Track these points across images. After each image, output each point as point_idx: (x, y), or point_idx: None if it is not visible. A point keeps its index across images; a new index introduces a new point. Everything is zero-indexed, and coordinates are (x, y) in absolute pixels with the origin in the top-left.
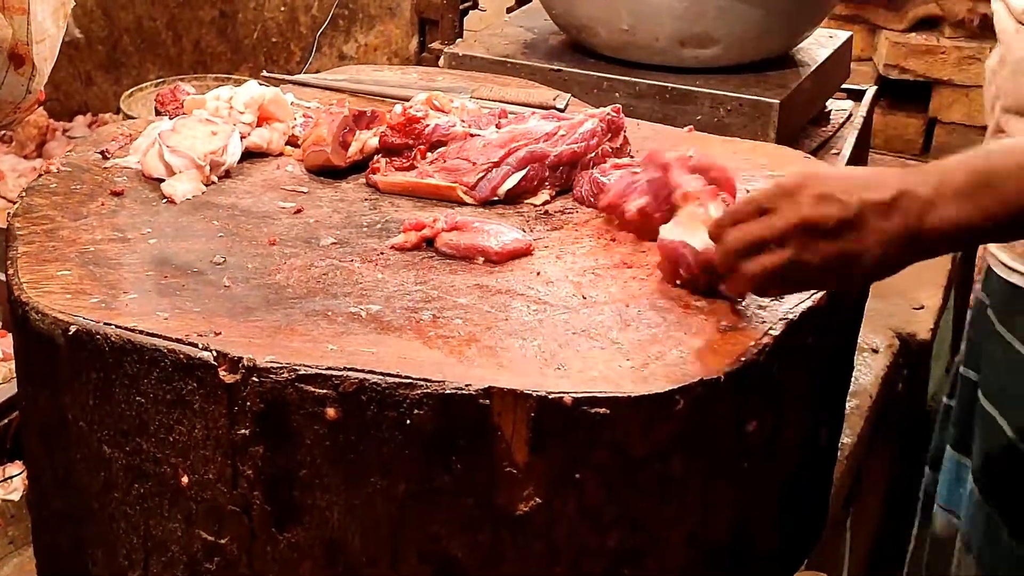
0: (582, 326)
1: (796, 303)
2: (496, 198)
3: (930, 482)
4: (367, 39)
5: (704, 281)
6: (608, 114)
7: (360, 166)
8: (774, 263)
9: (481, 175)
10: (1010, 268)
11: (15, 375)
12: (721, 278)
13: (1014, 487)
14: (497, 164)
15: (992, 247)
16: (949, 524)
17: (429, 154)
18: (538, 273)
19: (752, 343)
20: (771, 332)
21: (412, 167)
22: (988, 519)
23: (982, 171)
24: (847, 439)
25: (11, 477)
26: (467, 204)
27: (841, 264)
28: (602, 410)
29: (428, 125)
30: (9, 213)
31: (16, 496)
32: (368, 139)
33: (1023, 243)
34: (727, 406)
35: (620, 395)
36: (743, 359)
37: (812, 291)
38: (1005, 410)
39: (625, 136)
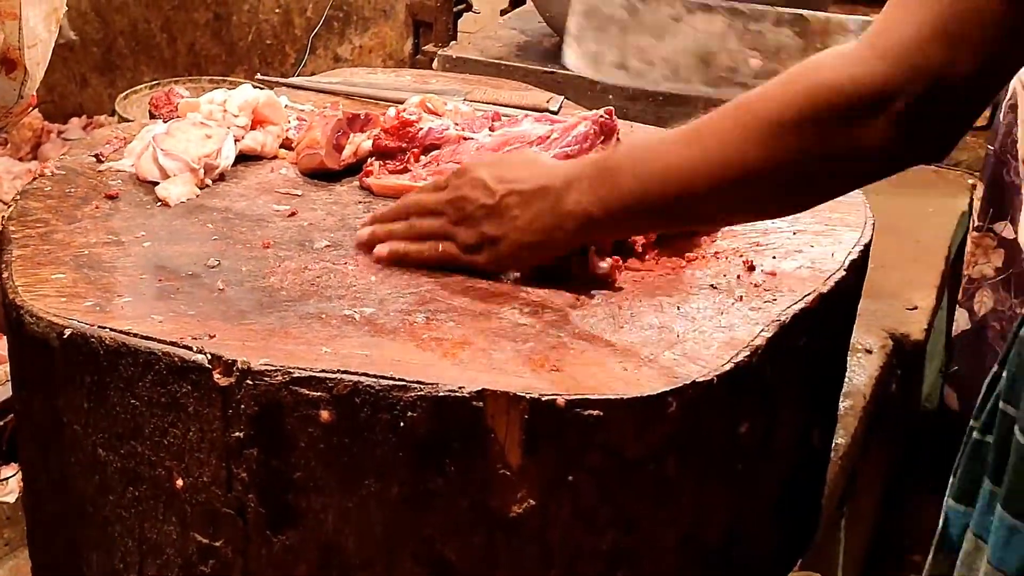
0: (575, 328)
1: (788, 305)
2: None
3: (957, 515)
4: (361, 41)
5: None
6: (601, 116)
7: (354, 169)
8: (424, 226)
9: None
10: None
11: (10, 378)
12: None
13: None
14: None
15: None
16: (978, 547)
17: (423, 157)
18: (531, 275)
19: (745, 345)
20: (764, 334)
21: (405, 170)
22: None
23: (603, 166)
24: (841, 440)
25: (6, 479)
26: None
27: (484, 243)
28: (595, 412)
29: (421, 128)
30: (3, 216)
31: (12, 498)
32: (362, 142)
33: None
34: (720, 408)
35: (613, 397)
36: (736, 361)
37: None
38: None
39: (618, 138)
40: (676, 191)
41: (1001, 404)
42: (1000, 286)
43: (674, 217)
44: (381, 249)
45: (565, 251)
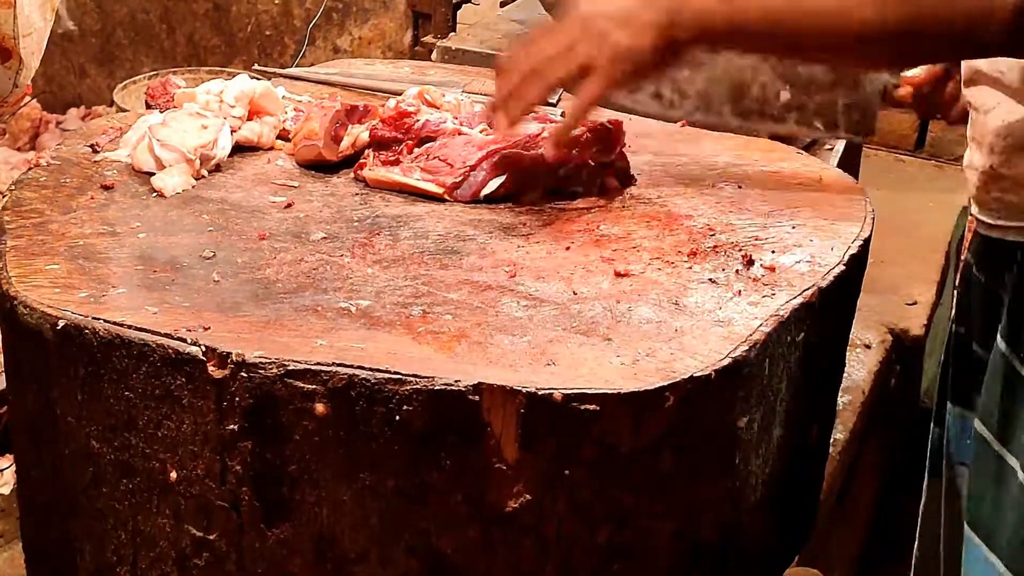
0: (572, 322)
1: (787, 299)
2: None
3: (935, 437)
4: (361, 32)
5: None
6: (601, 123)
7: (352, 160)
8: (567, 61)
9: (460, 178)
10: (989, 224)
11: (3, 369)
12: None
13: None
14: (473, 168)
15: (974, 210)
16: (959, 475)
17: (416, 149)
18: (528, 269)
19: (743, 339)
20: (762, 328)
21: (397, 162)
22: (997, 460)
23: None
24: (840, 435)
25: (1, 471)
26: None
27: (622, 51)
28: (592, 406)
29: (418, 120)
30: None
31: (6, 490)
32: (360, 134)
33: (995, 196)
34: (717, 402)
35: (610, 391)
36: (734, 356)
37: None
38: (985, 345)
39: (622, 152)
40: (796, 24)
41: (954, 327)
42: None
43: (783, 48)
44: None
45: (675, 52)
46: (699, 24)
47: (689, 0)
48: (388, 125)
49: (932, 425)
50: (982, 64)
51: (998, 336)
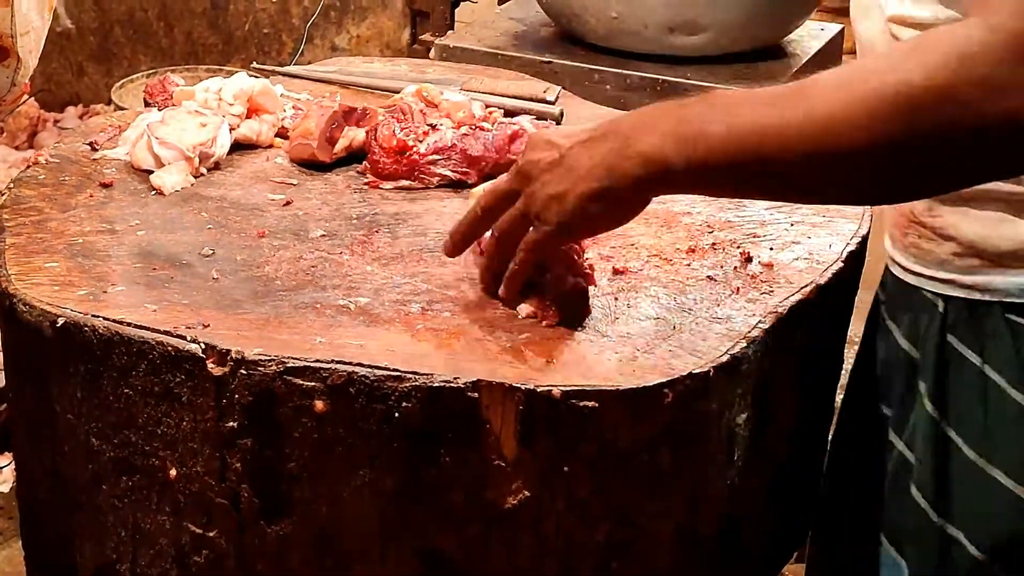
0: None
1: (785, 296)
2: None
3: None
4: (359, 31)
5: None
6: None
7: (347, 160)
8: (508, 217)
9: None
10: (903, 267)
11: (2, 367)
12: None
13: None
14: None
15: (888, 246)
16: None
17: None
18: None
19: (741, 336)
20: (761, 325)
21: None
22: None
23: (685, 113)
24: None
25: (0, 468)
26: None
27: (552, 204)
28: (591, 403)
29: (418, 147)
30: None
31: (6, 488)
32: (356, 136)
33: (912, 242)
34: (716, 399)
35: (609, 388)
36: (732, 352)
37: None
38: (884, 399)
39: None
40: (770, 154)
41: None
42: None
43: (756, 184)
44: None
45: (633, 203)
46: (652, 167)
47: (637, 142)
48: (389, 157)
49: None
50: None
51: (924, 399)
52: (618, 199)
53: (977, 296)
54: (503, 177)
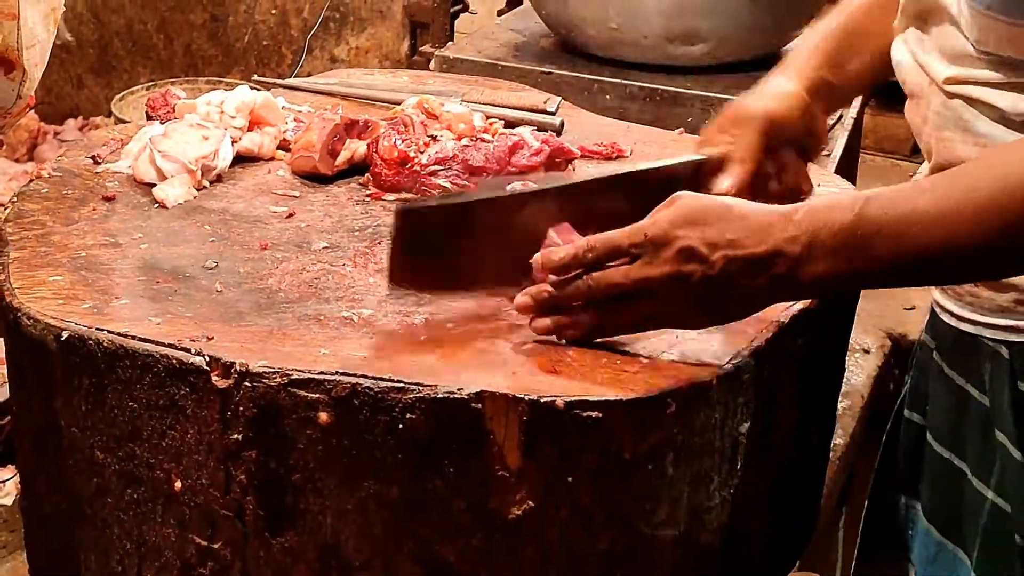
0: None
1: (787, 306)
2: None
3: (872, 516)
4: (358, 42)
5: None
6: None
7: (349, 172)
8: (635, 314)
9: None
10: (958, 316)
11: (7, 380)
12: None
13: (972, 525)
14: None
15: (936, 295)
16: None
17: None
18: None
19: (744, 346)
20: (762, 335)
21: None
22: (951, 557)
23: (851, 231)
24: (839, 440)
25: (4, 481)
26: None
27: (700, 314)
28: (594, 413)
29: (420, 158)
30: (0, 218)
31: (9, 501)
32: (358, 148)
33: (968, 290)
34: (719, 409)
35: (612, 398)
36: (735, 362)
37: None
38: (958, 450)
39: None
40: (937, 266)
41: (906, 412)
42: None
43: (922, 281)
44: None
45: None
46: (824, 287)
47: (809, 266)
48: (391, 169)
49: (865, 513)
50: (967, 152)
51: (1010, 448)
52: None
53: None
54: (628, 269)
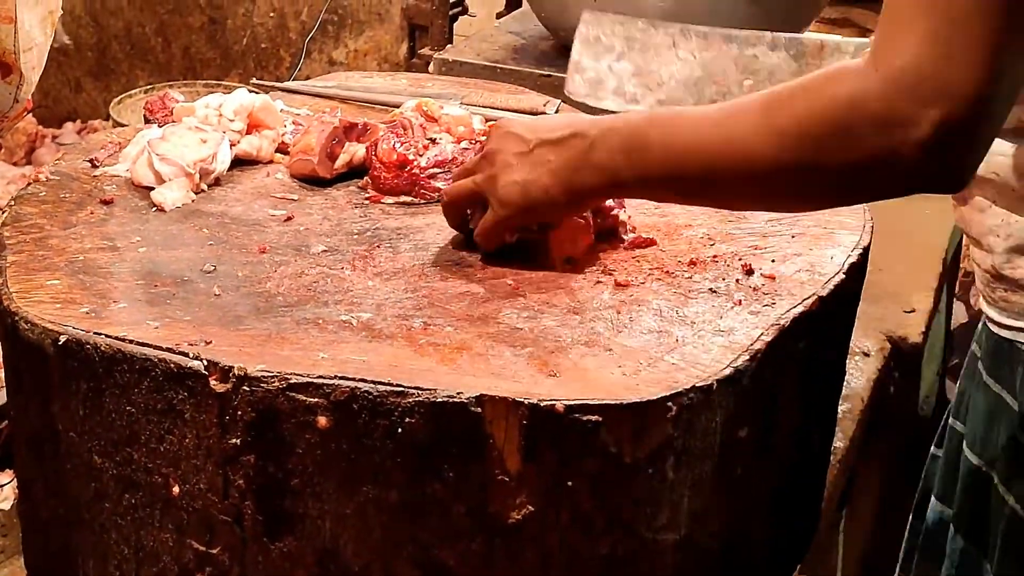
0: (573, 333)
1: (788, 308)
2: None
3: (912, 532)
4: (357, 45)
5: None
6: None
7: (348, 176)
8: (461, 187)
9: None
10: (996, 323)
11: (4, 385)
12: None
13: (994, 533)
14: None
15: (982, 303)
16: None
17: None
18: (529, 280)
19: (744, 349)
20: (763, 338)
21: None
22: (974, 565)
23: (633, 131)
24: (839, 443)
25: (1, 486)
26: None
27: (511, 187)
28: (594, 417)
29: (419, 161)
30: None
31: (6, 505)
32: (357, 151)
33: (1002, 296)
34: (719, 412)
35: (613, 402)
36: (735, 365)
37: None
38: (988, 457)
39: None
40: (698, 171)
41: (951, 420)
42: None
43: (691, 194)
44: None
45: (583, 204)
46: (605, 177)
47: (595, 152)
48: (389, 172)
49: (911, 517)
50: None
51: None
52: (576, 198)
53: None
54: (469, 162)
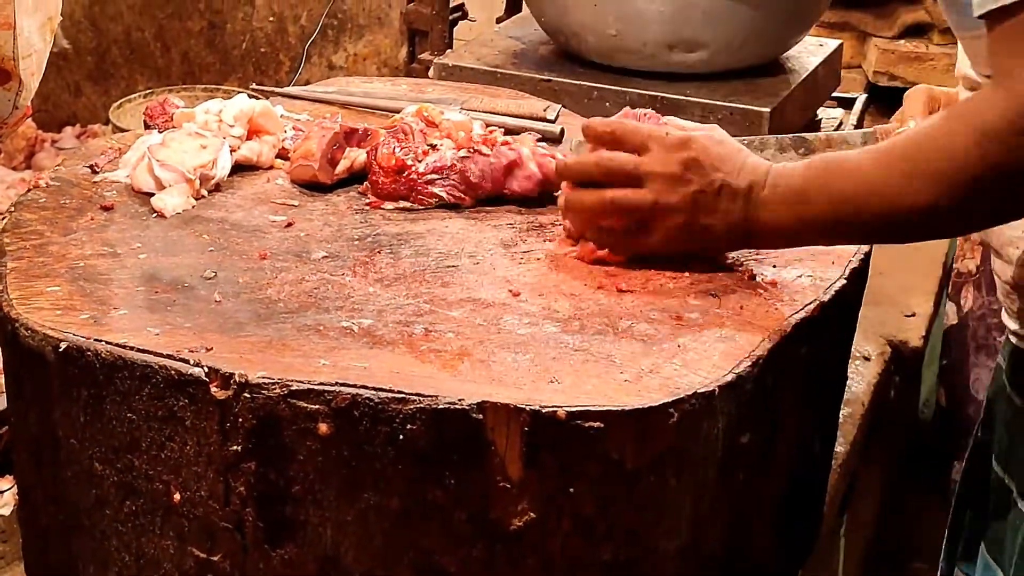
0: (575, 339)
1: (791, 314)
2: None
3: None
4: (356, 49)
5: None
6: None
7: (348, 181)
8: (629, 198)
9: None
10: (1018, 335)
11: (4, 391)
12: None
13: (1012, 543)
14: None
15: (1004, 317)
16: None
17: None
18: (530, 286)
19: (746, 355)
20: (765, 344)
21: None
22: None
23: (800, 188)
24: (840, 448)
25: (1, 492)
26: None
27: (686, 227)
28: (596, 424)
29: (418, 167)
30: None
31: (7, 511)
32: (357, 157)
33: (1021, 307)
34: (721, 418)
35: (614, 408)
36: (737, 371)
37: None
38: (1010, 469)
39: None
40: (865, 218)
41: (980, 432)
42: (981, 282)
43: (855, 238)
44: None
45: (744, 248)
46: (770, 238)
47: (759, 217)
48: (388, 176)
49: (949, 522)
50: None
51: None
52: (731, 246)
53: None
54: (634, 159)
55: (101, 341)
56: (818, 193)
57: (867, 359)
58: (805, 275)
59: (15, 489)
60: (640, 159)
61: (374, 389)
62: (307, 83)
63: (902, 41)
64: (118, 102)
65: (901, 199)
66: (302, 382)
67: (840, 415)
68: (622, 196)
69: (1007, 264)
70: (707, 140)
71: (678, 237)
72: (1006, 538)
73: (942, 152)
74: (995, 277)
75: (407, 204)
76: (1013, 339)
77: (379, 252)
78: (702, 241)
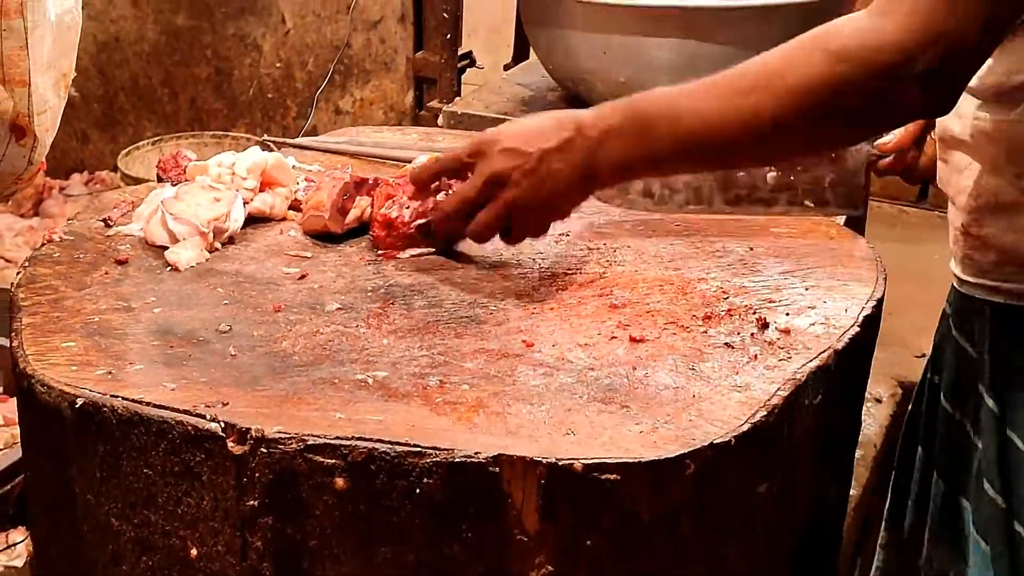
0: (590, 390)
1: (803, 363)
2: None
3: (896, 486)
4: (363, 94)
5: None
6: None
7: (359, 231)
8: (488, 217)
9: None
10: (959, 279)
11: (19, 442)
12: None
13: (968, 473)
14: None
15: (951, 263)
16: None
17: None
18: (544, 336)
19: (761, 404)
20: (780, 392)
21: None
22: (956, 507)
23: (636, 119)
24: (853, 491)
25: (15, 544)
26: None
27: (535, 203)
28: (613, 476)
29: (403, 216)
30: (12, 283)
31: (20, 563)
32: (368, 206)
33: (966, 253)
34: (738, 468)
35: (631, 460)
36: (753, 421)
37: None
38: (957, 405)
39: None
40: (712, 144)
41: (929, 375)
42: None
43: (705, 164)
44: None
45: (594, 192)
46: (618, 170)
47: (604, 150)
48: (382, 231)
49: (894, 473)
50: (954, 126)
51: (986, 398)
52: (589, 193)
53: (1014, 302)
54: (466, 188)
55: (117, 397)
56: (662, 127)
57: (879, 401)
58: (818, 323)
59: (28, 541)
60: (471, 181)
61: (390, 443)
62: (314, 128)
63: None
64: (126, 149)
65: (758, 113)
66: (318, 436)
67: (857, 455)
68: (470, 181)
69: (959, 211)
70: (494, 134)
71: (528, 189)
72: (965, 470)
73: (798, 69)
74: (949, 225)
75: (419, 251)
76: (957, 284)
77: (392, 303)
78: (551, 201)
